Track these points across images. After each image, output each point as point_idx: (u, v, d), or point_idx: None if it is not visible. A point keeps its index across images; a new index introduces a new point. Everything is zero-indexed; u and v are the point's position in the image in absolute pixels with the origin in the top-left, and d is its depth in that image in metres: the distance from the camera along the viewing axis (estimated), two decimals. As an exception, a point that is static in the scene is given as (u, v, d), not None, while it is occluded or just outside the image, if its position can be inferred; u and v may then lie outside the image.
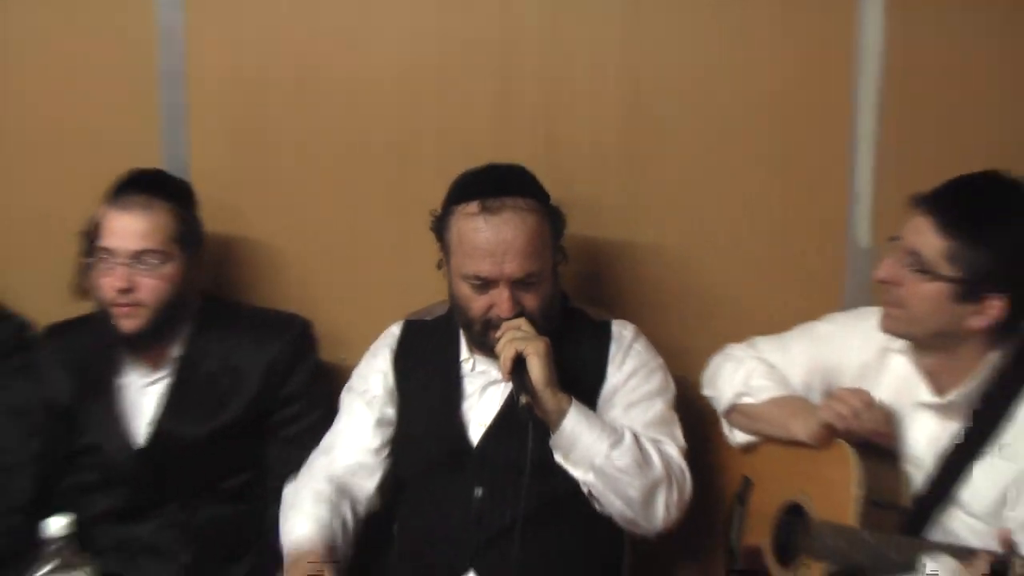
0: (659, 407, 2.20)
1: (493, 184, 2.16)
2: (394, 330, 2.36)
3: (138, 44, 2.61)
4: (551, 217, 2.20)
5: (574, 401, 2.10)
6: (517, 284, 2.12)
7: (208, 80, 2.63)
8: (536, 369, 2.05)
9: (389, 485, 2.30)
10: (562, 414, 2.07)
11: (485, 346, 2.16)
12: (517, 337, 2.07)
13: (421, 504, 2.24)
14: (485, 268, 2.11)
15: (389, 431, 2.29)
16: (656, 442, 2.13)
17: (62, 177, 2.65)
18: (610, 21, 2.51)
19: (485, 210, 2.11)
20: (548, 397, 2.06)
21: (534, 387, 2.04)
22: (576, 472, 2.10)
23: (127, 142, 2.60)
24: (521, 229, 2.11)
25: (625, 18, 2.51)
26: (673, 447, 2.15)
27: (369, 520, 2.30)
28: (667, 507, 2.10)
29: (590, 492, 2.10)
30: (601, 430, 2.09)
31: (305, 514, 2.14)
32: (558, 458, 2.10)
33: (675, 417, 2.22)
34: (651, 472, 2.08)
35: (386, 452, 2.29)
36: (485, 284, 2.13)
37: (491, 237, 2.10)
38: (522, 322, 2.10)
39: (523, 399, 2.01)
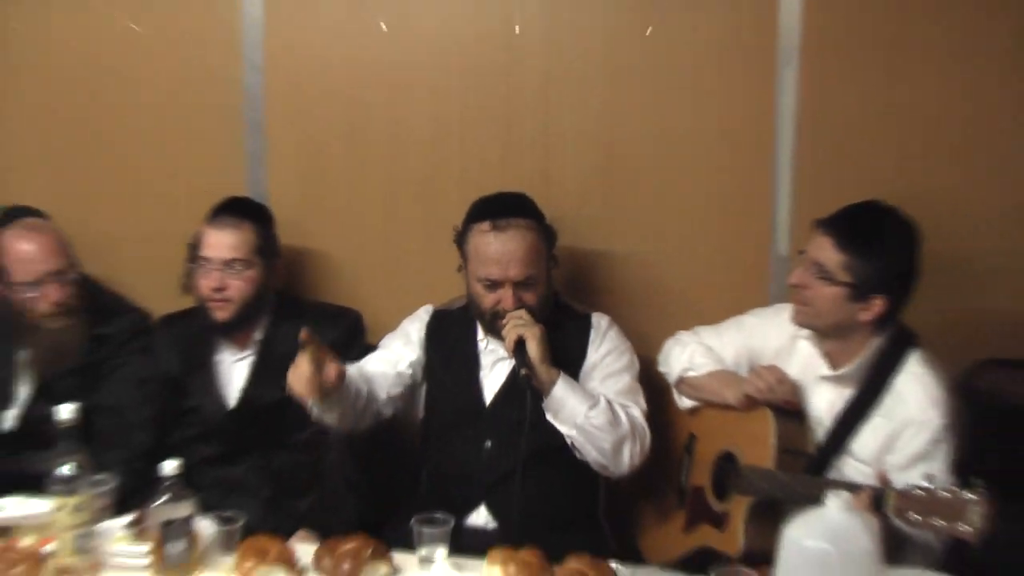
0: (627, 379, 2.24)
1: (501, 207, 2.21)
2: (428, 308, 2.37)
3: (228, 102, 2.69)
4: (546, 233, 2.24)
5: (562, 373, 2.14)
6: (519, 284, 2.16)
7: (282, 130, 2.69)
8: (533, 349, 2.09)
9: (399, 415, 2.27)
10: (552, 383, 2.11)
11: (494, 331, 2.20)
12: (519, 324, 2.11)
13: (443, 452, 2.28)
14: (494, 272, 2.16)
15: (417, 374, 2.27)
16: (624, 406, 2.17)
17: (172, 206, 2.72)
18: (592, 88, 2.54)
19: (495, 228, 2.16)
20: (542, 370, 2.10)
21: (532, 362, 2.08)
22: (563, 428, 2.13)
23: (221, 179, 2.66)
24: (522, 243, 2.16)
25: (604, 85, 2.54)
26: (637, 410, 2.19)
27: (401, 467, 2.37)
28: (632, 456, 2.14)
29: (573, 444, 2.14)
30: (582, 396, 2.13)
31: None
32: (549, 417, 2.14)
33: (639, 387, 2.25)
34: (620, 429, 2.12)
35: (408, 383, 2.25)
36: (494, 284, 2.17)
37: (499, 248, 2.15)
38: (523, 313, 2.14)
39: (523, 371, 2.06)
